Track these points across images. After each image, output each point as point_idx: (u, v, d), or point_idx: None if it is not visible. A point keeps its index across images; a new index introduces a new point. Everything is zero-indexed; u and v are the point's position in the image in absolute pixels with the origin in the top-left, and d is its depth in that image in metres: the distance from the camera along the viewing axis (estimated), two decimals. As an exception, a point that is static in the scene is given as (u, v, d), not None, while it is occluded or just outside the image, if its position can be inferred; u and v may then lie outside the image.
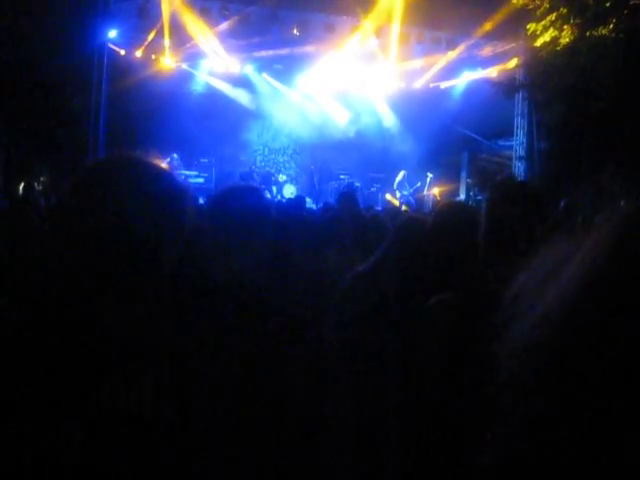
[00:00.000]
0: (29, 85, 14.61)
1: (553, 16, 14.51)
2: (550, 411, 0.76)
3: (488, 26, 17.01)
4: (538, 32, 14.92)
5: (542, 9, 14.84)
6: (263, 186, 20.81)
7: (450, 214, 4.10)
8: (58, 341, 1.60)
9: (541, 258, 0.87)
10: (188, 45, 19.89)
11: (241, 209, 2.99)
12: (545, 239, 0.89)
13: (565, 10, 14.39)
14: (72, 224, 1.72)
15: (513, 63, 18.39)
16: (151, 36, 19.49)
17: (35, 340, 1.59)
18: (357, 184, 21.27)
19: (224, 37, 19.75)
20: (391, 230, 4.24)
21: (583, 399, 0.73)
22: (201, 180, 20.86)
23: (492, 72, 19.66)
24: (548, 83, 15.46)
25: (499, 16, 16.21)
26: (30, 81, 14.66)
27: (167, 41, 19.76)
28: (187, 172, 20.62)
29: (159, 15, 18.84)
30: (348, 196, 7.96)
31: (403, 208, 18.49)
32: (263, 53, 20.59)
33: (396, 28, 19.17)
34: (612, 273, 0.75)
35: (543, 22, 14.76)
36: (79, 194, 1.77)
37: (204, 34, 19.33)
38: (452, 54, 19.78)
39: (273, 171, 22.58)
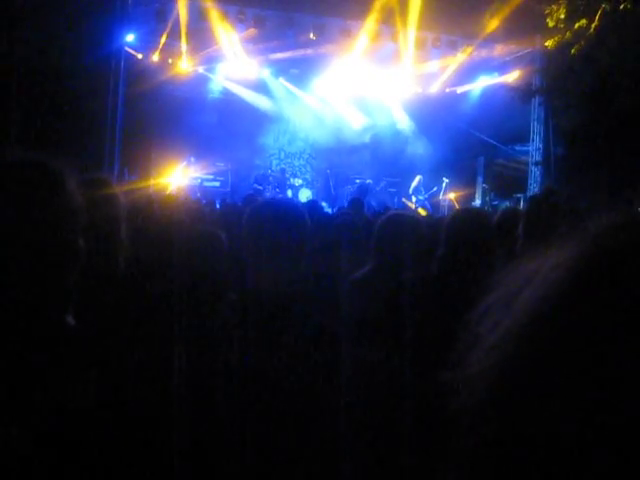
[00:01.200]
0: (46, 88, 14.68)
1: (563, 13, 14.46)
2: (500, 437, 0.74)
3: (504, 31, 16.95)
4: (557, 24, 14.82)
5: (558, 14, 14.79)
6: (278, 190, 20.87)
7: (466, 220, 4.12)
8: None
9: (506, 277, 0.84)
10: (205, 49, 19.96)
11: (279, 221, 3.02)
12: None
13: (584, 20, 14.34)
14: None
15: (529, 68, 18.32)
16: (168, 40, 19.56)
17: None
18: (368, 181, 21.23)
19: (241, 41, 19.79)
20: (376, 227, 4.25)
21: (531, 429, 0.71)
22: (217, 184, 20.94)
23: (508, 77, 19.59)
24: (565, 88, 15.42)
25: (515, 21, 16.15)
26: (47, 84, 14.73)
27: (184, 45, 19.83)
28: (203, 175, 20.70)
29: (176, 19, 18.92)
30: (356, 201, 8.07)
31: (419, 211, 18.50)
32: (280, 57, 20.61)
33: (412, 32, 19.16)
34: (567, 300, 0.72)
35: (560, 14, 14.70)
36: None
37: (221, 38, 19.38)
38: (465, 57, 19.68)
39: (289, 175, 22.59)
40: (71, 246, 1.82)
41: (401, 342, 3.46)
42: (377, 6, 18.13)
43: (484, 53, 19.60)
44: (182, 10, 18.46)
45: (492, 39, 18.54)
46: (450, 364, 0.82)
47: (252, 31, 19.25)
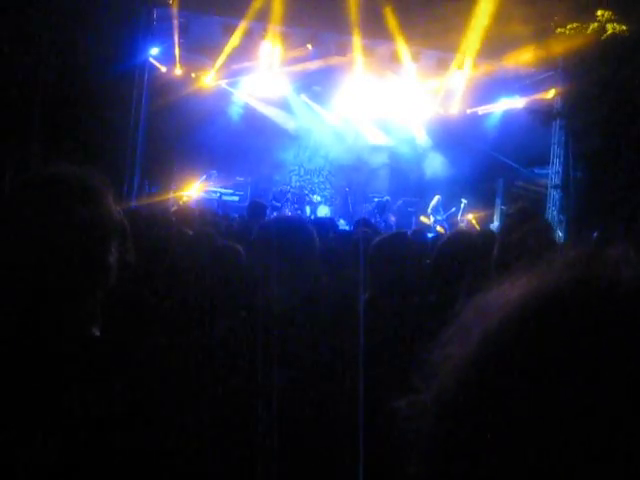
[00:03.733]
0: (69, 100, 14.81)
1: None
2: (446, 466, 0.75)
3: (525, 54, 16.95)
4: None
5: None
6: (296, 206, 20.91)
7: (454, 242, 4.13)
8: (29, 348, 1.67)
9: (472, 305, 0.85)
10: (228, 64, 20.09)
11: (286, 239, 3.03)
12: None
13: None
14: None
15: (551, 92, 18.29)
16: (192, 54, 19.74)
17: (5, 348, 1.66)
18: (386, 197, 21.24)
19: (263, 58, 19.92)
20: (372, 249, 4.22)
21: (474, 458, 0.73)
22: (236, 198, 21.01)
23: (529, 100, 19.55)
24: (585, 112, 15.39)
25: (536, 44, 16.15)
26: (71, 96, 14.86)
27: (207, 60, 20.00)
28: (223, 190, 20.79)
29: (201, 34, 19.09)
30: (362, 221, 8.05)
31: (438, 229, 18.49)
32: (302, 74, 20.72)
33: (434, 54, 19.21)
34: (510, 338, 0.74)
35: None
36: (7, 207, 1.83)
37: (244, 54, 19.51)
38: (486, 77, 19.70)
39: (307, 192, 22.62)
40: (102, 262, 1.85)
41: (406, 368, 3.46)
42: (398, 26, 18.20)
43: (506, 75, 19.59)
44: (206, 26, 18.63)
45: (514, 62, 18.53)
46: (408, 390, 0.84)
47: (273, 43, 19.36)
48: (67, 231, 1.76)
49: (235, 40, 19.00)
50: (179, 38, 18.96)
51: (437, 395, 0.79)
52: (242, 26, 18.89)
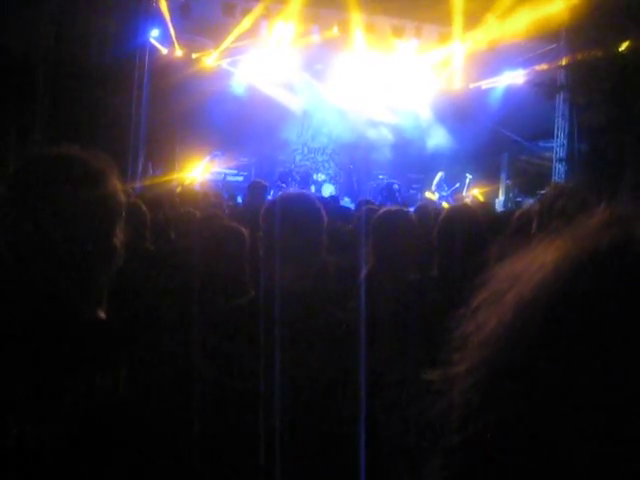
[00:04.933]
0: (71, 83, 14.79)
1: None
2: (488, 434, 0.74)
3: (528, 26, 16.83)
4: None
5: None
6: (301, 185, 20.87)
7: (456, 220, 4.13)
8: (35, 331, 1.67)
9: (495, 276, 0.84)
10: (229, 44, 20.00)
11: (294, 217, 3.02)
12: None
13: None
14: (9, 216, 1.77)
15: (554, 64, 18.18)
16: (192, 35, 19.66)
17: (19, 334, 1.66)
18: (396, 186, 21.22)
19: (264, 37, 19.83)
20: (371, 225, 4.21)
21: (518, 426, 0.72)
22: (240, 179, 21.00)
23: (533, 73, 19.44)
24: (589, 85, 15.31)
25: (539, 16, 16.04)
26: (72, 79, 14.84)
27: (208, 40, 19.92)
28: (227, 171, 20.78)
29: (201, 15, 19.00)
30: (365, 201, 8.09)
31: (443, 204, 18.45)
32: (303, 53, 20.63)
33: (435, 28, 19.11)
34: (552, 301, 0.73)
35: None
36: (15, 186, 1.81)
37: (244, 34, 19.42)
38: (488, 51, 19.60)
39: (312, 171, 22.58)
40: (107, 244, 1.85)
41: (409, 343, 3.47)
42: (401, 2, 18.08)
43: (509, 49, 19.46)
44: (206, 6, 18.55)
45: (517, 35, 18.41)
46: (439, 363, 0.83)
47: (274, 21, 19.27)
48: (72, 212, 1.75)
49: (236, 20, 18.92)
50: (176, 19, 18.86)
51: (473, 365, 0.78)
52: (243, 6, 18.81)
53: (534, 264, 0.78)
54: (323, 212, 3.12)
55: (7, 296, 1.73)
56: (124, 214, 1.93)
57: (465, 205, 7.70)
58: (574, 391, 0.68)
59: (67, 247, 1.74)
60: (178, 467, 2.28)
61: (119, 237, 1.87)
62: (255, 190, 9.17)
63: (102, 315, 1.83)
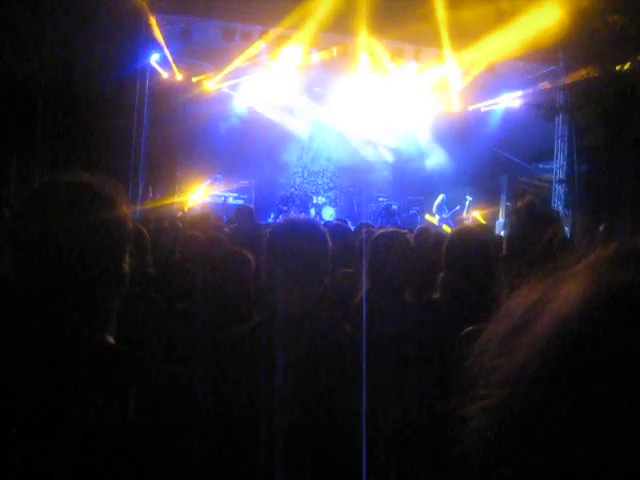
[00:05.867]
0: (72, 106, 14.84)
1: None
2: (529, 470, 0.73)
3: (527, 49, 16.90)
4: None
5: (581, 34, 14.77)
6: (301, 208, 20.91)
7: (465, 241, 4.12)
8: (43, 354, 1.67)
9: (509, 308, 0.83)
10: (229, 68, 20.11)
11: (299, 244, 3.01)
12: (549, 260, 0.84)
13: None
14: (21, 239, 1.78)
15: (553, 86, 18.26)
16: (193, 59, 19.79)
17: (25, 350, 1.66)
18: (394, 207, 21.28)
19: (264, 60, 19.93)
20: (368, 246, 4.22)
21: (557, 460, 0.71)
22: (241, 202, 21.03)
23: (532, 95, 19.52)
24: (589, 106, 15.37)
25: (538, 39, 16.11)
26: (73, 103, 14.90)
27: (208, 65, 20.04)
28: (227, 193, 20.82)
29: (201, 39, 19.10)
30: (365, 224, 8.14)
31: (444, 228, 18.47)
32: (302, 76, 20.73)
33: (434, 51, 19.20)
34: (587, 326, 0.72)
35: None
36: (26, 212, 1.82)
37: (244, 58, 19.53)
38: (487, 74, 19.68)
39: (312, 193, 22.63)
40: (118, 270, 1.85)
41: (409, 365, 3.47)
42: (399, 25, 18.17)
43: (507, 71, 19.56)
44: (206, 30, 18.66)
45: (515, 57, 18.50)
46: (460, 395, 0.81)
47: (275, 50, 19.37)
48: (83, 237, 1.76)
49: (235, 44, 19.02)
50: (176, 43, 18.98)
51: (505, 400, 0.77)
52: (243, 30, 18.92)
53: (555, 298, 0.77)
54: (328, 238, 3.12)
55: (18, 319, 1.74)
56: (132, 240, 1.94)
57: (473, 226, 7.71)
58: (611, 430, 0.68)
59: (78, 272, 1.75)
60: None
61: (128, 262, 1.88)
62: (244, 214, 9.30)
63: (111, 340, 1.83)
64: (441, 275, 4.01)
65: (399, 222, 19.92)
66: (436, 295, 4.09)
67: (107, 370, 1.77)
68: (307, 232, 3.09)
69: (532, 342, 0.76)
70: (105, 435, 1.67)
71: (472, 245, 4.03)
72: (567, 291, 0.77)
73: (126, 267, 1.88)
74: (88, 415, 1.66)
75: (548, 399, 0.72)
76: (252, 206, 9.69)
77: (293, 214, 20.18)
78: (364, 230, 6.84)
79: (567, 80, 16.95)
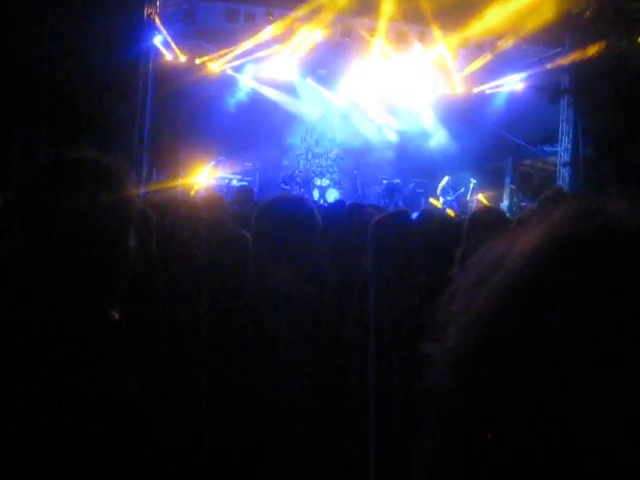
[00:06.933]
0: (75, 89, 14.83)
1: None
2: (467, 415, 0.77)
3: (532, 31, 16.81)
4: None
5: (588, 15, 14.70)
6: (303, 190, 20.91)
7: (487, 218, 4.12)
8: (51, 330, 1.68)
9: (477, 259, 0.87)
10: (232, 50, 20.06)
11: (287, 219, 3.02)
12: None
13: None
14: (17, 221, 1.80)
15: (558, 68, 18.18)
16: (196, 41, 19.73)
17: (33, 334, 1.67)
18: (396, 181, 21.26)
19: (268, 42, 19.86)
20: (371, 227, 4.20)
21: (493, 408, 0.74)
22: (244, 184, 21.01)
23: (537, 77, 19.43)
24: (594, 89, 15.31)
25: (543, 20, 16.02)
26: (76, 85, 14.89)
27: (211, 46, 19.98)
28: (231, 175, 20.80)
29: (204, 20, 19.04)
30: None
31: (447, 211, 18.45)
32: (307, 58, 20.68)
33: (439, 33, 19.12)
34: (535, 279, 0.75)
35: None
36: (34, 187, 1.83)
37: (248, 39, 19.47)
38: (492, 57, 19.58)
39: (316, 175, 22.61)
40: (124, 247, 1.86)
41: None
42: (404, 6, 18.09)
43: (512, 54, 19.46)
44: (210, 12, 18.62)
45: (520, 39, 18.41)
46: (429, 339, 0.85)
47: (278, 31, 19.30)
48: (91, 214, 1.77)
49: (239, 25, 18.97)
50: (179, 25, 18.95)
51: (457, 343, 0.80)
52: (247, 11, 18.87)
53: (516, 248, 0.81)
54: (317, 215, 3.13)
55: (24, 296, 1.75)
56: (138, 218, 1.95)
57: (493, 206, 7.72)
58: (555, 371, 0.70)
59: (85, 248, 1.76)
60: (187, 469, 2.29)
61: (134, 239, 1.89)
62: (244, 195, 9.39)
63: (116, 315, 1.85)
64: (460, 250, 4.00)
65: (400, 201, 19.91)
66: (453, 271, 4.07)
67: (113, 345, 1.79)
68: (292, 208, 3.09)
69: (487, 291, 0.79)
70: (111, 412, 1.68)
71: (495, 219, 4.03)
72: (524, 242, 0.80)
73: (132, 244, 1.89)
74: (94, 392, 1.67)
75: (497, 342, 0.75)
76: (253, 188, 9.73)
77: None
78: (368, 212, 6.82)
79: (572, 62, 16.87)
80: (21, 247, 1.78)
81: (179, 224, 5.56)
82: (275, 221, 3.02)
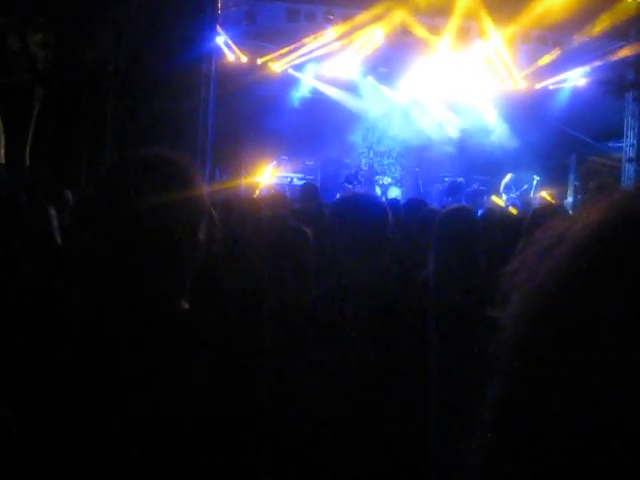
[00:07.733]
0: (140, 91, 15.09)
1: None
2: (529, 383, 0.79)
3: (597, 25, 16.55)
4: None
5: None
6: (367, 187, 20.85)
7: (549, 216, 4.11)
8: (124, 320, 1.79)
9: (540, 234, 0.90)
10: (293, 49, 20.16)
11: (361, 217, 3.08)
12: None
13: None
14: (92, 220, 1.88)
15: (622, 62, 17.83)
16: (257, 41, 19.89)
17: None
18: (460, 179, 21.05)
19: (329, 41, 19.91)
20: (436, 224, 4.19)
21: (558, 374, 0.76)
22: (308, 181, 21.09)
23: (601, 71, 19.08)
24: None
25: (608, 14, 15.77)
26: (141, 87, 15.15)
27: (273, 46, 20.12)
28: (293, 174, 20.89)
29: (266, 21, 19.20)
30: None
31: (510, 209, 18.22)
32: (368, 56, 20.68)
33: (500, 29, 18.94)
34: (595, 255, 0.76)
35: None
36: (100, 191, 1.92)
37: (310, 39, 19.56)
38: (557, 52, 19.32)
39: (378, 173, 22.54)
40: (194, 239, 1.94)
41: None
42: (464, 3, 17.99)
43: (575, 47, 19.16)
44: (270, 12, 18.77)
45: (584, 34, 18.12)
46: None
47: (341, 31, 19.34)
48: (164, 209, 1.85)
49: (300, 25, 19.07)
50: (241, 26, 19.11)
51: (520, 311, 0.83)
52: (307, 11, 18.97)
53: (578, 223, 0.83)
54: (389, 212, 3.18)
55: (100, 284, 1.86)
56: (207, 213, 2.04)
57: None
58: (617, 353, 0.71)
59: (160, 241, 1.85)
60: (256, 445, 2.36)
61: (203, 234, 1.98)
62: (307, 191, 9.37)
63: (186, 306, 1.93)
64: (520, 247, 3.99)
65: (463, 200, 19.71)
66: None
67: (183, 333, 1.88)
68: (367, 205, 3.15)
69: (551, 264, 0.81)
70: (180, 400, 1.76)
71: (557, 216, 4.02)
72: (586, 217, 0.82)
73: (202, 237, 1.98)
74: (164, 379, 1.76)
75: (560, 310, 0.77)
76: (316, 184, 9.71)
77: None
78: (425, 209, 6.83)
79: (637, 54, 16.55)
80: (99, 239, 1.88)
81: (242, 221, 5.66)
82: (352, 217, 3.08)
